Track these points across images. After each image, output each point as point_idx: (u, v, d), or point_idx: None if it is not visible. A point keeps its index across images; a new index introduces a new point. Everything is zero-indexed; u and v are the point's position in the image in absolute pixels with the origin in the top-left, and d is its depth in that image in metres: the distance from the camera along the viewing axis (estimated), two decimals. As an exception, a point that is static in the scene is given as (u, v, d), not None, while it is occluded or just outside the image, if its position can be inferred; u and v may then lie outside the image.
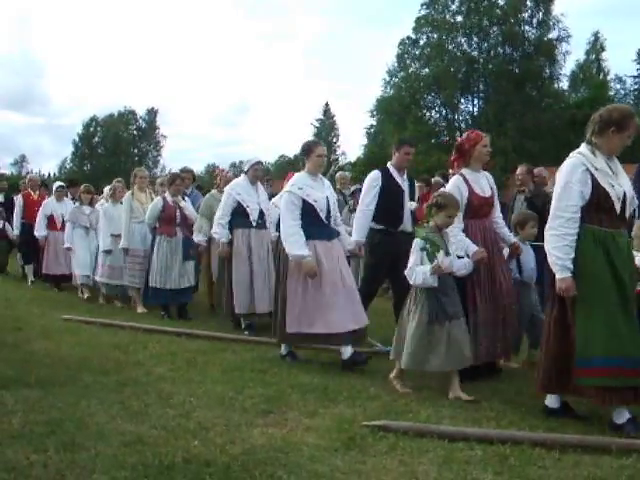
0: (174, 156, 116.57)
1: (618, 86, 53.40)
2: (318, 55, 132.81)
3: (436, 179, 11.88)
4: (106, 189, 12.22)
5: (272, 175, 31.68)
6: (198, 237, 9.65)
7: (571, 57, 59.98)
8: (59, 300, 11.02)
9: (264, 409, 5.05)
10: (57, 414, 4.76)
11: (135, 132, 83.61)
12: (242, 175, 8.67)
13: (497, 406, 5.23)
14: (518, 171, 9.86)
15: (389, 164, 7.57)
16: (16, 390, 5.31)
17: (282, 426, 4.69)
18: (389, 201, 7.36)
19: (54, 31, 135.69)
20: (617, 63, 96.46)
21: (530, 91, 48.80)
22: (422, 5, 50.55)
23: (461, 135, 6.92)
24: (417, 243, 5.67)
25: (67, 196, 13.37)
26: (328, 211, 6.78)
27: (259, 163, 8.71)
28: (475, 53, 50.35)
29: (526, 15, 49.32)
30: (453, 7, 50.46)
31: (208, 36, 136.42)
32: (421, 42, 51.24)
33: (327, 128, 78.45)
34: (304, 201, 6.60)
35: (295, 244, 6.46)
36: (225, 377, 5.99)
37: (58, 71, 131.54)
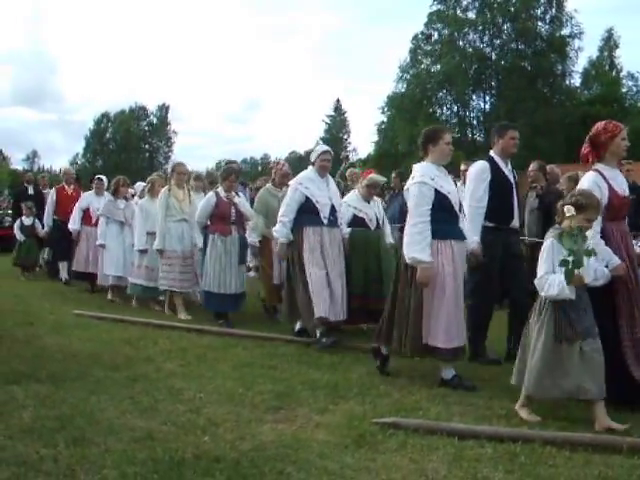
0: (185, 152, 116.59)
1: (630, 83, 53.06)
2: (329, 51, 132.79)
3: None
4: (137, 185, 11.73)
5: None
6: (252, 236, 8.92)
7: (583, 54, 59.76)
8: (70, 295, 11.04)
9: (274, 405, 5.05)
10: (68, 409, 4.78)
11: (146, 128, 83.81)
12: (309, 167, 7.78)
13: (508, 404, 5.20)
14: (530, 168, 9.82)
15: (492, 153, 6.79)
16: (27, 385, 5.33)
17: (292, 423, 4.69)
18: (499, 195, 6.58)
19: (67, 28, 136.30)
20: (630, 60, 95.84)
21: (542, 88, 48.65)
22: (434, 0, 50.48)
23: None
24: (549, 248, 4.90)
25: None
26: (460, 207, 6.01)
27: (328, 152, 7.82)
28: (487, 49, 50.24)
29: (539, 11, 49.16)
30: (465, 3, 50.36)
31: (219, 32, 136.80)
32: (433, 38, 51.15)
33: (338, 124, 78.46)
34: (437, 193, 5.74)
35: (417, 245, 5.63)
36: (235, 373, 5.99)
37: (71, 68, 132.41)
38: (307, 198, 7.47)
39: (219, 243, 8.50)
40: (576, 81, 52.34)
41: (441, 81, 49.67)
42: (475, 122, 52.08)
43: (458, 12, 50.40)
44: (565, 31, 48.80)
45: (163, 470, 3.73)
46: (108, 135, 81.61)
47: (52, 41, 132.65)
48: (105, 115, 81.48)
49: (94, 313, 8.85)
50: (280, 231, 7.49)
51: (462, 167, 11.15)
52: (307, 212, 7.46)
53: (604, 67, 54.85)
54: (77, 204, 11.89)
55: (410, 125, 48.48)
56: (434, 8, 50.59)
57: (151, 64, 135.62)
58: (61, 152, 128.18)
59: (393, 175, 12.46)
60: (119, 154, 78.35)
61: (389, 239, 8.48)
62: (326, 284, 7.25)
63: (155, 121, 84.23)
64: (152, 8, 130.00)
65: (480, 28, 49.76)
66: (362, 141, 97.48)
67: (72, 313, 8.84)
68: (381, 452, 4.16)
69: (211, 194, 8.79)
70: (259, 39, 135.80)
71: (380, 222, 8.36)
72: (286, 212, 7.49)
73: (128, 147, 79.39)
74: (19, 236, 13.49)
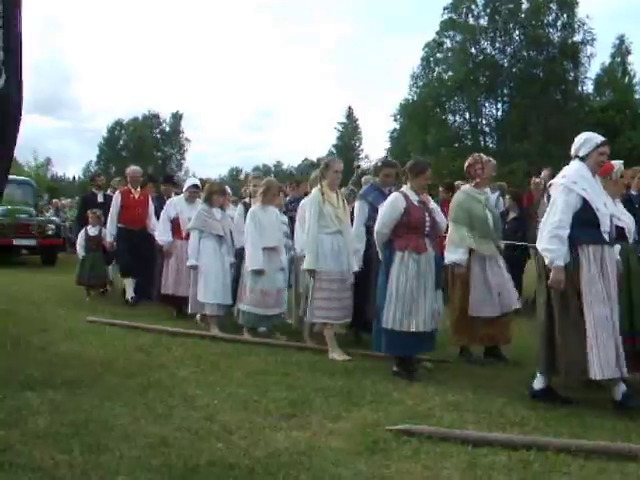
0: (198, 160, 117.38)
1: (643, 89, 52.95)
2: (342, 59, 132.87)
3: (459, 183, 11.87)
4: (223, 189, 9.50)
5: (296, 178, 31.74)
6: (455, 255, 7.07)
7: (596, 60, 59.76)
8: (84, 302, 11.01)
9: (288, 412, 5.05)
10: (82, 415, 4.79)
11: (159, 136, 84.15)
12: (576, 161, 5.68)
13: (521, 411, 5.21)
14: (541, 176, 9.80)
15: None
16: (42, 391, 5.35)
17: (306, 430, 4.69)
18: None
19: (83, 36, 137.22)
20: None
21: (554, 94, 48.60)
22: (445, 9, 50.59)
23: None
24: None
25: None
26: None
27: (607, 144, 5.72)
28: (499, 57, 50.27)
29: (550, 18, 49.16)
30: (476, 10, 50.43)
31: (233, 41, 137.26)
32: (445, 46, 51.28)
33: (350, 132, 78.52)
34: None
35: None
36: (249, 380, 6.00)
37: (87, 76, 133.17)
38: (585, 203, 5.44)
39: (411, 264, 6.30)
40: (589, 88, 52.40)
41: (453, 88, 49.73)
42: (487, 129, 52.08)
43: (470, 20, 50.48)
44: (577, 37, 48.86)
45: (177, 477, 3.74)
46: (121, 142, 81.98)
47: (68, 50, 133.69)
48: (118, 123, 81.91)
49: (107, 320, 8.86)
50: (558, 250, 5.33)
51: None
52: (583, 224, 5.43)
53: (616, 74, 54.72)
54: (163, 212, 9.97)
55: (422, 132, 48.63)
56: (446, 16, 50.71)
57: (166, 73, 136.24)
58: (76, 159, 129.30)
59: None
60: (132, 162, 78.59)
61: None
62: (612, 330, 5.27)
63: (168, 129, 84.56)
64: (167, 17, 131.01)
65: (491, 35, 49.84)
66: (374, 148, 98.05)
67: (86, 320, 8.84)
68: (394, 459, 4.16)
69: (398, 196, 6.53)
70: (273, 47, 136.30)
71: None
72: (563, 222, 5.36)
73: (141, 155, 79.66)
74: (80, 250, 11.59)
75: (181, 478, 3.73)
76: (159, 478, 3.73)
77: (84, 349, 7.13)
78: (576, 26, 48.77)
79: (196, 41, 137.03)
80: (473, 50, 50.44)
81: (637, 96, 51.71)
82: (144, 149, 79.77)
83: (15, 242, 16.66)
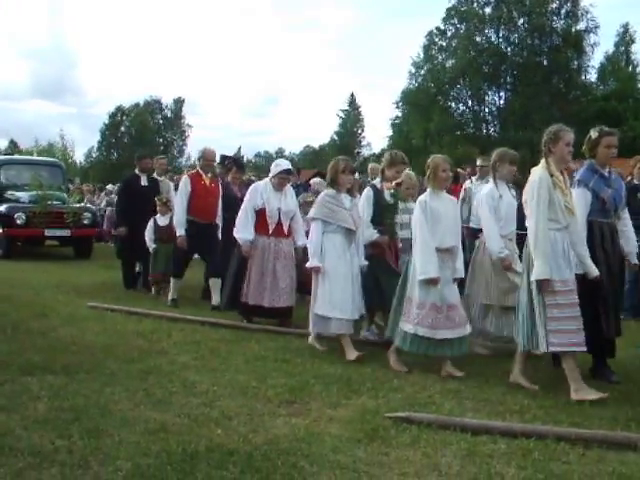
0: (200, 145, 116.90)
1: (647, 78, 52.79)
2: (345, 46, 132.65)
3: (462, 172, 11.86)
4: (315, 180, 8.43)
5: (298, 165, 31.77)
6: None
7: (600, 49, 59.57)
8: (84, 288, 10.94)
9: (287, 399, 5.06)
10: (82, 401, 4.81)
11: (161, 121, 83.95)
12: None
13: (521, 400, 5.20)
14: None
15: None
16: (42, 376, 5.37)
17: (305, 416, 4.69)
18: None
19: (87, 22, 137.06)
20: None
21: (557, 83, 48.48)
22: (453, -5, 50.42)
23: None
24: None
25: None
26: None
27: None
28: (503, 45, 50.12)
29: (554, 6, 48.98)
30: (482, -2, 50.31)
31: (235, 27, 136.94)
32: (449, 33, 51.13)
33: (352, 119, 78.35)
34: None
35: None
36: (248, 366, 5.99)
37: (91, 61, 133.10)
38: None
39: None
40: (592, 76, 52.24)
41: (456, 76, 49.61)
42: (490, 117, 51.97)
43: (476, 7, 50.30)
44: (581, 26, 48.71)
45: (176, 462, 3.74)
46: (123, 128, 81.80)
47: (72, 35, 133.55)
48: (120, 108, 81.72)
49: (108, 305, 8.84)
50: None
51: (478, 162, 11.06)
52: None
53: (620, 62, 54.56)
54: (245, 202, 8.08)
55: (424, 120, 48.54)
56: (452, 3, 50.55)
57: (170, 59, 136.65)
58: (79, 144, 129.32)
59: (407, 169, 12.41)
60: (133, 147, 78.47)
61: None
62: None
63: (169, 115, 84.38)
64: (169, 2, 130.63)
65: (496, 23, 49.67)
66: (376, 136, 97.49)
67: (86, 305, 8.84)
68: (394, 447, 4.16)
69: None
70: (277, 33, 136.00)
71: None
72: None
73: (142, 140, 79.50)
74: (150, 243, 10.18)
75: (180, 464, 3.73)
76: (158, 463, 3.73)
77: (84, 334, 7.14)
78: (580, 14, 48.62)
79: (199, 27, 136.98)
80: (478, 38, 50.27)
81: (640, 85, 51.63)
82: (145, 135, 79.54)
83: (47, 233, 15.14)
